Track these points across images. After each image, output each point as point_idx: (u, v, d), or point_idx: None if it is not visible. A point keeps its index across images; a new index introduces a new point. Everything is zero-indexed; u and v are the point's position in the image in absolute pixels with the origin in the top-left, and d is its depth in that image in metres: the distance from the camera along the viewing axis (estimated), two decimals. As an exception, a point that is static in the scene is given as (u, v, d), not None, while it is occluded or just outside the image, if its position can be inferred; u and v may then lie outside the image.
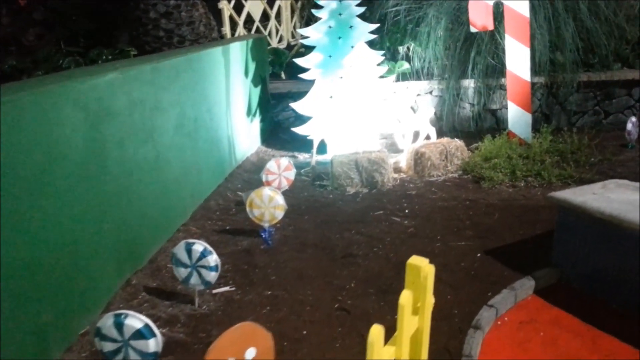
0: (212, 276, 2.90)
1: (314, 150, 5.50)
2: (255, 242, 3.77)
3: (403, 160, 5.26)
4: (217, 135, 4.80)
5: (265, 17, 7.62)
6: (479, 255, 3.45)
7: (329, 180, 4.87)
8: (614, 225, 2.84)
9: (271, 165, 4.29)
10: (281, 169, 4.31)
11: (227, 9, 6.40)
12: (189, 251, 2.88)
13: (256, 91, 6.18)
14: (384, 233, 3.81)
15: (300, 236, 3.84)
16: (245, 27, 7.39)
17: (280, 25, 7.70)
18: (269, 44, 7.43)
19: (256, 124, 6.22)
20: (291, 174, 4.38)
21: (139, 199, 3.35)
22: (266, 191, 3.71)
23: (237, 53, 5.42)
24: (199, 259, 2.87)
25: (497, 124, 6.70)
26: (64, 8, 9.70)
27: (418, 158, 4.98)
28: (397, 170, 5.19)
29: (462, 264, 3.35)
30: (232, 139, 5.24)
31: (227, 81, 5.06)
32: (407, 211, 4.19)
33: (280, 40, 7.66)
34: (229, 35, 6.48)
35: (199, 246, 2.87)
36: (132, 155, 3.24)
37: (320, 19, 5.66)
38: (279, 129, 6.94)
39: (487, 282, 3.13)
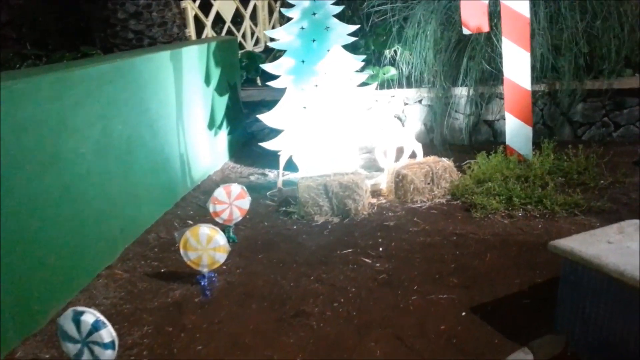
0: (107, 355, 2.21)
1: (281, 169, 4.80)
2: (191, 291, 3.08)
3: (384, 181, 4.56)
4: (164, 155, 4.11)
5: (240, 18, 6.95)
6: (464, 314, 2.75)
7: (297, 206, 4.18)
8: (638, 289, 2.15)
9: (219, 193, 3.60)
10: (232, 198, 3.62)
11: (191, 8, 5.73)
12: (77, 322, 2.19)
13: (222, 100, 5.50)
14: (349, 280, 3.11)
15: (248, 283, 3.14)
16: (217, 28, 6.71)
17: (256, 26, 7.04)
18: (241, 47, 6.75)
19: (222, 137, 5.53)
20: (245, 203, 3.69)
21: (37, 242, 2.67)
22: (203, 230, 3.02)
23: (194, 58, 4.74)
24: (90, 333, 2.18)
25: (494, 137, 6.00)
26: (30, 8, 9.03)
27: (399, 181, 4.28)
28: (376, 193, 4.50)
29: (442, 327, 2.65)
30: (187, 157, 4.55)
31: (179, 91, 4.38)
32: (381, 249, 3.49)
33: (256, 43, 6.99)
34: (193, 37, 5.81)
35: (89, 317, 2.19)
36: (21, 190, 2.55)
37: (291, 19, 4.99)
38: (252, 141, 6.24)
39: (473, 355, 2.44)
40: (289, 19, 5.01)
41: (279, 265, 3.35)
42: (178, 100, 4.36)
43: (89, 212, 3.11)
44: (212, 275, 3.16)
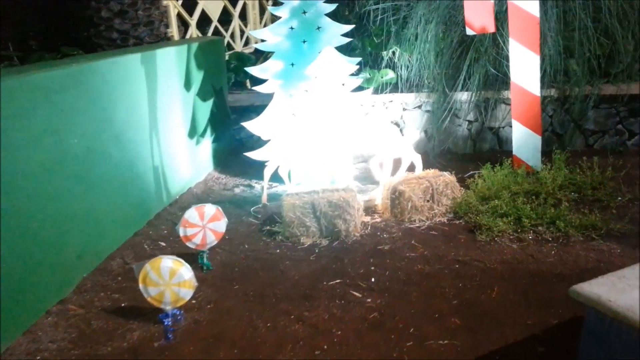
0: None
1: (265, 183, 4.38)
2: (152, 332, 2.67)
3: (379, 196, 4.15)
4: (134, 168, 3.71)
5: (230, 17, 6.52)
6: (467, 366, 2.34)
7: (282, 226, 3.77)
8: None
9: (191, 214, 3.19)
10: (206, 220, 3.20)
11: (173, 6, 5.31)
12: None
13: (206, 105, 5.08)
14: (335, 321, 2.69)
15: (218, 323, 2.73)
16: (208, 28, 6.29)
17: (246, 26, 6.62)
18: (230, 48, 6.33)
19: (206, 145, 5.12)
20: (220, 225, 3.27)
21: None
22: (165, 262, 2.61)
23: (171, 60, 4.32)
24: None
25: (500, 145, 5.59)
26: (12, 7, 8.63)
27: (396, 198, 3.86)
28: (371, 209, 4.09)
29: (441, 383, 2.24)
30: (162, 169, 4.14)
31: (153, 97, 3.97)
32: (373, 280, 3.07)
33: (246, 44, 6.57)
34: (176, 37, 5.40)
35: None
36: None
37: (279, 18, 4.57)
38: (241, 149, 5.82)
39: (479, 423, 2.03)
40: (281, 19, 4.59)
41: (256, 299, 2.93)
42: (152, 108, 3.94)
43: (36, 238, 2.70)
44: (178, 312, 2.74)
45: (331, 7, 4.57)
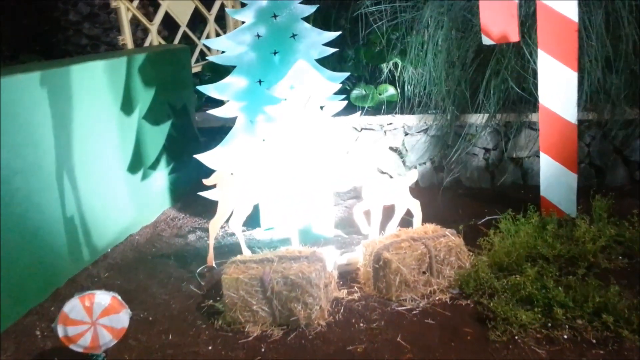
0: None
1: (212, 238, 3.39)
2: None
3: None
4: (28, 224, 2.79)
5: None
6: None
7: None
8: None
9: (73, 308, 2.22)
10: (95, 315, 2.24)
11: (125, 7, 4.40)
12: None
13: (159, 130, 4.15)
14: None
15: None
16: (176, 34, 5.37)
17: (225, 32, 5.68)
18: (203, 57, 5.39)
19: (160, 178, 4.18)
20: (119, 319, 2.29)
21: None
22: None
23: (99, 78, 3.39)
24: None
25: (524, 179, 4.54)
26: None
27: (380, 268, 2.85)
28: (351, 276, 3.10)
29: None
30: (81, 218, 3.21)
31: (64, 129, 3.04)
32: (330, 415, 2.08)
33: (223, 52, 5.60)
34: (129, 45, 4.49)
35: None
36: None
37: (243, 23, 3.62)
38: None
39: None
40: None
41: None
42: (61, 144, 3.00)
43: None
44: None
45: (310, 9, 3.59)
